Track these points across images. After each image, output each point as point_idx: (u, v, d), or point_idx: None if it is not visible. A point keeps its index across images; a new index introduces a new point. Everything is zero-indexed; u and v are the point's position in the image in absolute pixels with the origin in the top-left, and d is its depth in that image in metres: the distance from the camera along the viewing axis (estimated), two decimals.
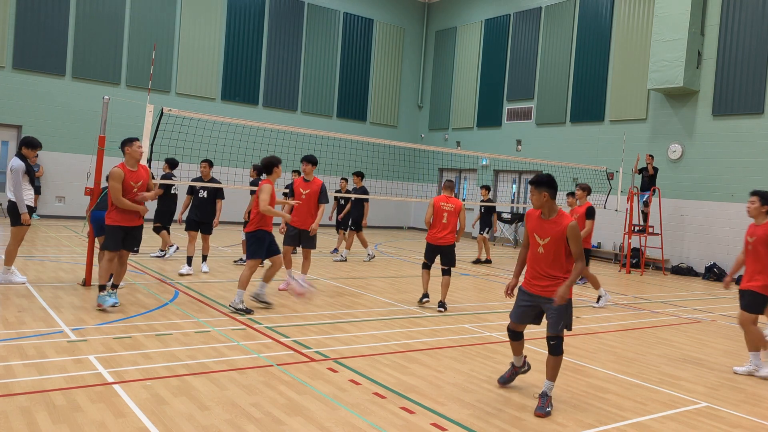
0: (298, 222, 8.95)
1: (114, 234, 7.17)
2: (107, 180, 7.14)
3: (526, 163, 20.11)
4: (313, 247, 9.12)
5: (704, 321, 9.33)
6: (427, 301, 8.79)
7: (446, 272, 8.68)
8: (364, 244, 13.56)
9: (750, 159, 14.95)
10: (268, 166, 7.86)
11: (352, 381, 5.19)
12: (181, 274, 9.82)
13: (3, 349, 5.38)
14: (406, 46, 24.77)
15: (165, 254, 11.63)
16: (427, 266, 8.79)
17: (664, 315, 9.67)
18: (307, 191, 8.99)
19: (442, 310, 8.55)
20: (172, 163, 11.51)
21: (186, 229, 10.37)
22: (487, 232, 14.78)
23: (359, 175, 13.49)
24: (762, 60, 14.86)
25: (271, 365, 5.46)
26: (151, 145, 8.83)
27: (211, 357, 5.59)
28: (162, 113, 8.82)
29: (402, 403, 4.77)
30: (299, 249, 9.87)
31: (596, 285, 9.84)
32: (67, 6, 17.90)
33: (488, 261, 14.74)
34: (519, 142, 20.90)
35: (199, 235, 10.39)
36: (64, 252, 11.53)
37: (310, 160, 9.05)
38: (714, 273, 15.01)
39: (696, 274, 15.62)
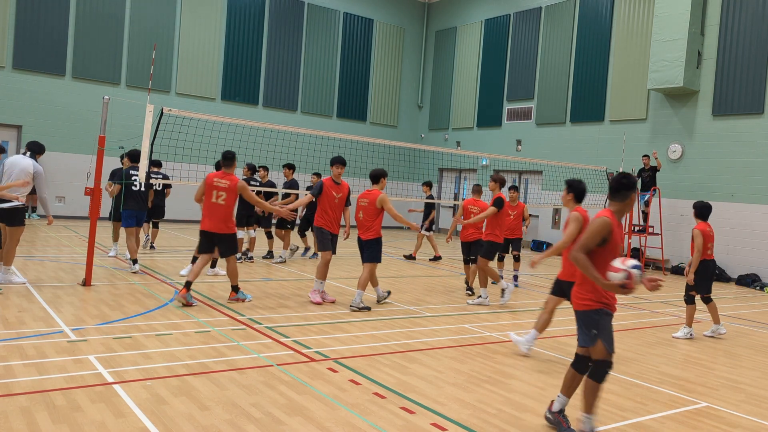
0: (333, 227, 8.55)
1: (235, 240, 8.01)
2: (241, 190, 7.95)
3: (526, 163, 20.11)
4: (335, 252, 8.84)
5: (704, 321, 9.33)
6: (470, 294, 9.98)
7: (474, 261, 9.92)
8: (286, 245, 12.58)
9: (750, 159, 14.96)
10: (376, 177, 8.51)
11: (352, 381, 5.19)
12: (183, 275, 9.79)
13: (3, 349, 5.38)
14: (406, 46, 24.76)
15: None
16: (466, 261, 10.18)
17: (664, 315, 9.67)
18: (339, 195, 8.58)
19: (469, 293, 10.07)
20: (133, 157, 10.52)
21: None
22: (428, 229, 14.61)
23: (291, 167, 12.49)
24: (762, 60, 14.86)
25: (271, 365, 5.46)
26: (151, 145, 8.84)
27: (211, 357, 5.59)
28: (162, 113, 8.82)
29: (402, 403, 4.77)
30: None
31: (495, 278, 9.30)
32: (67, 6, 17.90)
33: (412, 257, 14.45)
34: (519, 142, 20.91)
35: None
36: (64, 252, 11.53)
37: (343, 162, 8.63)
38: (714, 273, 14.99)
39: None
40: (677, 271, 15.83)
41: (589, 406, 4.27)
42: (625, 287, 4.03)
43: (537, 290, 11.20)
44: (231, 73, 20.70)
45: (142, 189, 10.18)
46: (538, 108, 20.38)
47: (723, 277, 14.92)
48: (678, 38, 15.50)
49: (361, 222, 8.42)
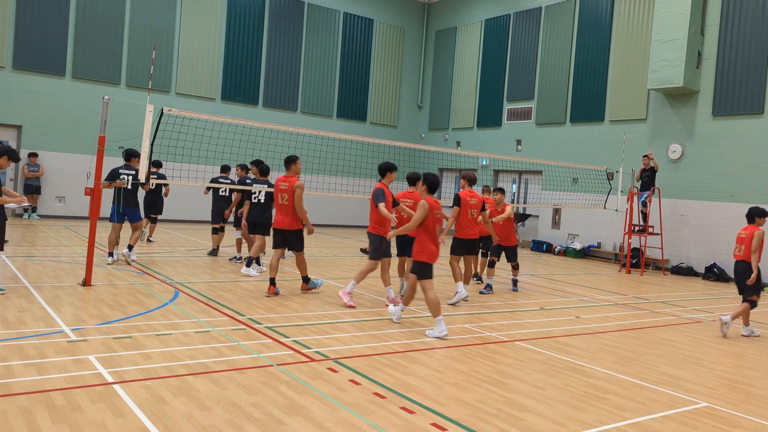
0: (381, 230, 8.75)
1: (429, 267, 7.48)
2: (296, 190, 8.56)
3: (526, 163, 20.10)
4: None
5: (704, 321, 9.34)
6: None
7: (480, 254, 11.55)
8: (239, 246, 12.04)
9: (750, 159, 14.95)
10: (415, 180, 8.79)
11: (352, 381, 5.19)
12: (244, 273, 10.37)
13: (3, 349, 5.38)
14: (406, 46, 24.76)
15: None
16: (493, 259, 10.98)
17: (664, 315, 9.67)
18: (390, 199, 8.86)
19: (478, 282, 11.46)
20: (125, 156, 10.86)
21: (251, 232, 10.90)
22: None
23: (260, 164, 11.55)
24: (762, 60, 14.86)
25: (271, 365, 5.46)
26: (151, 145, 8.84)
27: (211, 357, 5.59)
28: (162, 113, 8.82)
29: (402, 403, 4.77)
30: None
31: (456, 277, 9.37)
32: (67, 6, 17.89)
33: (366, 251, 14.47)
34: (519, 142, 20.90)
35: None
36: (64, 252, 11.53)
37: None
38: (714, 273, 15.01)
39: (696, 274, 15.62)
40: (677, 271, 15.84)
41: None
42: None
43: (538, 290, 11.20)
44: (231, 73, 20.70)
45: (129, 187, 10.48)
46: (538, 108, 20.38)
47: (723, 277, 14.92)
48: (678, 38, 15.50)
49: (405, 220, 8.84)
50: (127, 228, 12.01)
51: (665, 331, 8.34)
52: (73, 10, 17.99)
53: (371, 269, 8.50)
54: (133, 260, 10.64)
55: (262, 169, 10.93)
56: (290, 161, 8.88)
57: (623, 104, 17.83)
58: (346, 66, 23.20)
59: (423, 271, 7.26)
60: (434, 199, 7.33)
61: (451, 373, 5.67)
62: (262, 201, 10.62)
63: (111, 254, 10.50)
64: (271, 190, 10.54)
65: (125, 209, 10.49)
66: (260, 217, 10.56)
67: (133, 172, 10.38)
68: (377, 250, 8.51)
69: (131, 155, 10.64)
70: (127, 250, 10.61)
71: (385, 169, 8.72)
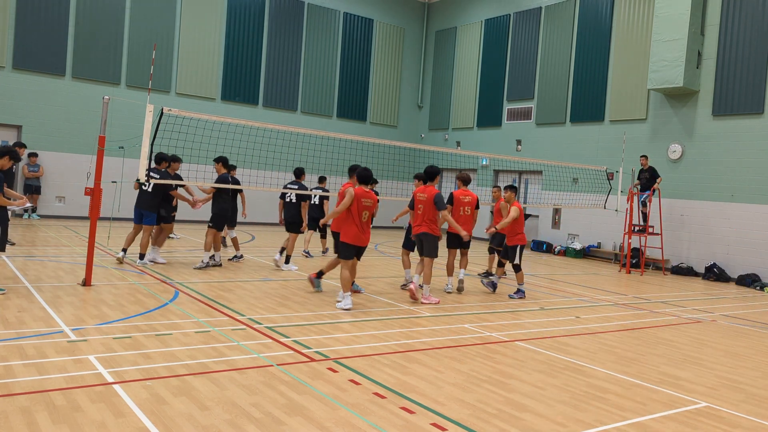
0: (416, 229, 9.42)
1: (350, 248, 8.30)
2: (344, 196, 8.54)
3: (526, 163, 20.11)
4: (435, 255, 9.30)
5: (704, 321, 9.34)
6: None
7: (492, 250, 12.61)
8: (217, 247, 11.05)
9: (750, 159, 14.95)
10: (432, 175, 9.37)
11: (352, 381, 5.19)
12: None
13: (3, 349, 5.38)
14: (406, 46, 24.76)
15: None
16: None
17: (664, 315, 9.67)
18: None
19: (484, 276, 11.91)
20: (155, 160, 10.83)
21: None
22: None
23: (220, 161, 11.05)
24: (762, 60, 14.86)
25: (271, 365, 5.46)
26: (151, 145, 8.84)
27: (211, 357, 5.59)
28: (162, 113, 8.82)
29: (402, 403, 4.77)
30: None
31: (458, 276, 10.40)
32: (67, 6, 17.89)
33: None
34: (519, 142, 20.90)
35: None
36: (64, 252, 11.53)
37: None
38: (714, 273, 15.01)
39: (696, 274, 15.62)
40: (677, 271, 15.84)
41: None
42: None
43: (538, 290, 11.20)
44: (231, 73, 20.70)
45: (149, 189, 10.49)
46: (538, 108, 20.38)
47: (723, 277, 14.93)
48: (678, 38, 15.50)
49: (420, 216, 9.29)
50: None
51: (665, 331, 8.34)
52: (73, 11, 17.99)
53: (431, 266, 9.24)
54: (161, 262, 10.82)
55: (296, 172, 11.91)
56: (351, 170, 9.42)
57: (623, 104, 17.83)
58: (346, 66, 23.20)
59: (345, 251, 8.21)
60: (364, 189, 8.21)
61: (451, 373, 5.67)
62: (293, 201, 11.54)
63: (142, 256, 10.60)
64: (303, 192, 11.38)
65: (143, 211, 10.57)
66: (291, 215, 11.51)
67: (157, 176, 10.37)
68: (435, 248, 9.20)
69: (161, 159, 10.79)
70: (139, 260, 10.57)
71: (435, 174, 9.39)
